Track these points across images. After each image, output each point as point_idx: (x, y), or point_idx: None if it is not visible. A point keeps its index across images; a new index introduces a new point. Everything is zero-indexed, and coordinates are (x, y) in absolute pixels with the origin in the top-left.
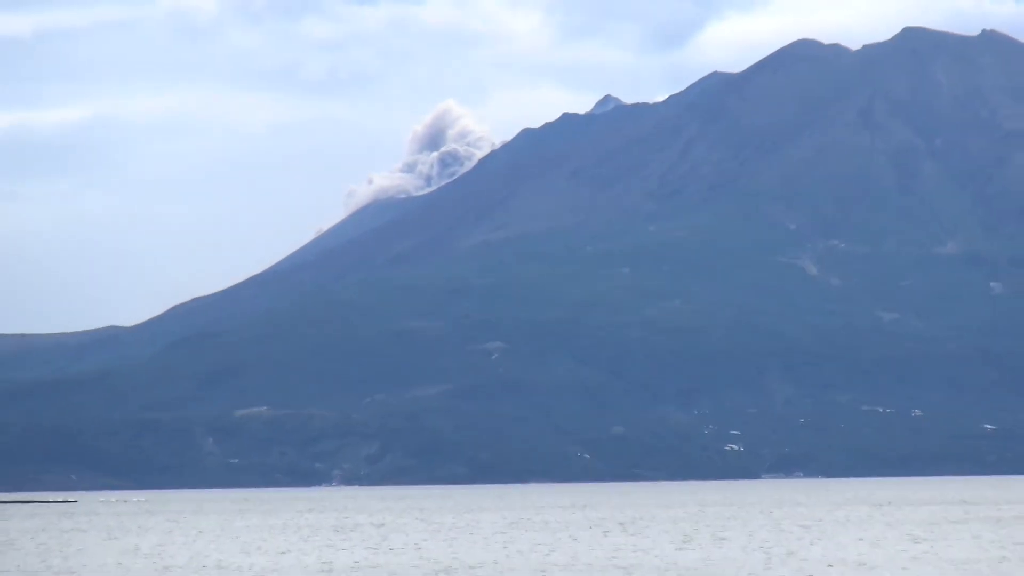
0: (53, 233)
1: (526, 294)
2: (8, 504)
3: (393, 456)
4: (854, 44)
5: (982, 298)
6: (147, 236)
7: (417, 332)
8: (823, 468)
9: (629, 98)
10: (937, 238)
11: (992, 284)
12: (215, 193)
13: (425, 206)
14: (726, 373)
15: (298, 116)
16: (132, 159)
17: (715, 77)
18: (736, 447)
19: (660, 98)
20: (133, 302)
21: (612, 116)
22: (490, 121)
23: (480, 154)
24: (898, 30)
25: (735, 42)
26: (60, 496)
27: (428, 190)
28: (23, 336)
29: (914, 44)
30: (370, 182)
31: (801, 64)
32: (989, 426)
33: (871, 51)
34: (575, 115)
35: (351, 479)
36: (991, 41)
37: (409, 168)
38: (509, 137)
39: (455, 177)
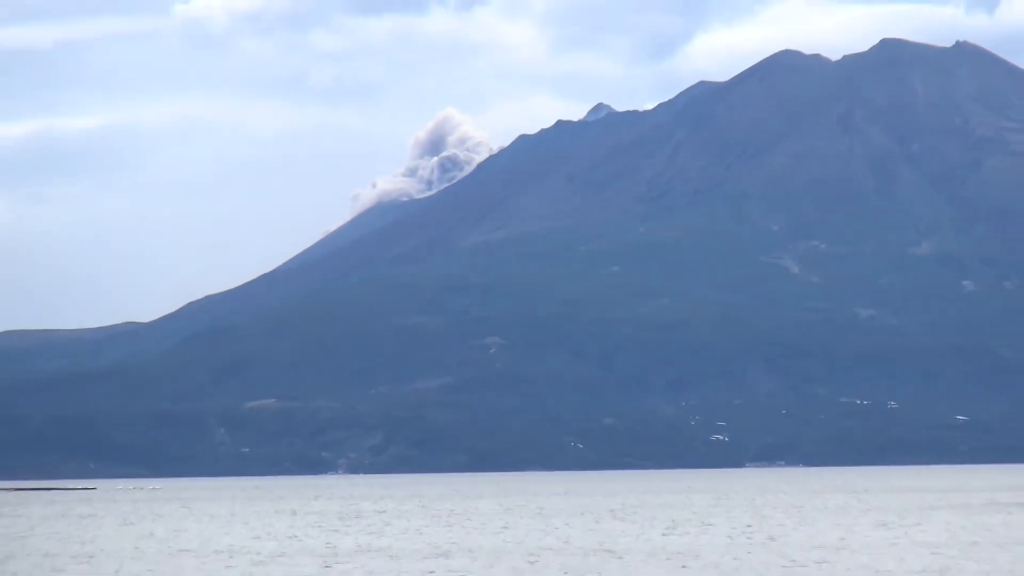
0: (74, 233)
1: (522, 292)
2: (30, 491)
3: (396, 446)
4: (834, 55)
5: (955, 296)
6: (162, 236)
7: (419, 328)
8: (804, 457)
9: (620, 106)
10: (912, 239)
11: (964, 283)
12: (227, 195)
13: (426, 208)
14: (712, 367)
15: (306, 123)
16: (148, 163)
17: (702, 86)
18: (721, 437)
19: (650, 106)
20: (149, 299)
21: (604, 123)
22: (488, 128)
23: (479, 159)
24: (876, 41)
25: (721, 53)
26: (79, 484)
27: (429, 193)
28: (45, 331)
29: (891, 55)
30: (374, 185)
31: (784, 74)
32: (961, 417)
33: (850, 61)
34: (569, 122)
35: (356, 468)
36: (965, 52)
37: (411, 172)
38: (506, 143)
39: (455, 181)
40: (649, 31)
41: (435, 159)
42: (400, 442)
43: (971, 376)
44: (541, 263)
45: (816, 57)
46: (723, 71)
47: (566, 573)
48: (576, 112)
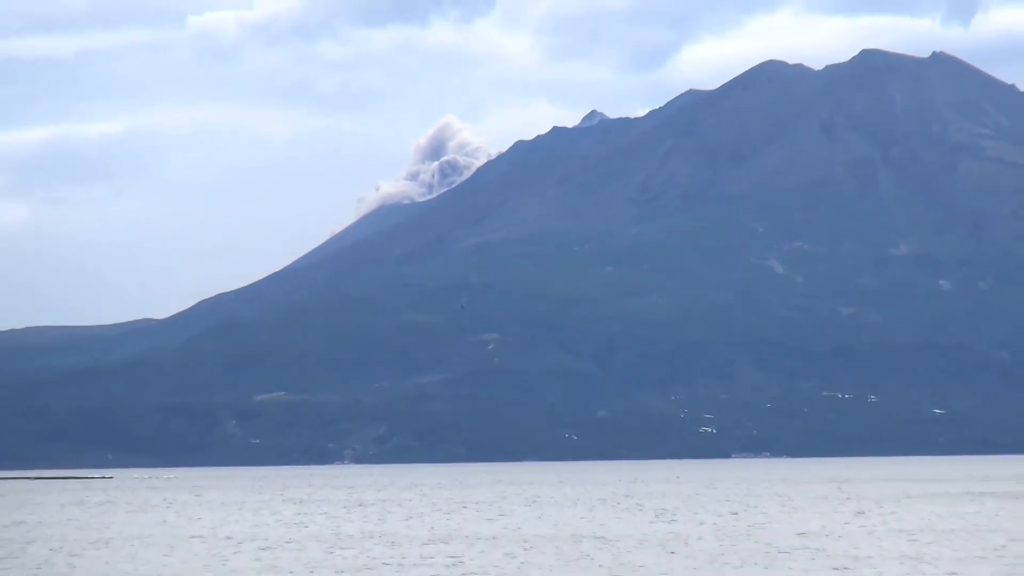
0: (92, 234)
1: (519, 290)
2: (50, 480)
3: (398, 437)
4: (817, 65)
5: (932, 294)
6: (176, 237)
7: (420, 325)
8: (788, 448)
9: (613, 113)
10: (891, 240)
11: (941, 282)
12: (238, 198)
13: (427, 211)
14: (700, 362)
15: (313, 129)
16: (163, 168)
17: (691, 94)
18: (709, 429)
19: (641, 113)
20: (164, 297)
21: (597, 130)
22: (487, 134)
23: (477, 164)
24: (856, 52)
25: (709, 63)
26: (97, 473)
27: (430, 196)
28: (66, 327)
29: (871, 65)
30: (377, 189)
31: (769, 83)
32: (938, 411)
33: (832, 71)
34: (564, 128)
35: (361, 458)
36: (941, 62)
37: (413, 176)
38: (504, 148)
39: (455, 184)
40: (641, 42)
41: (436, 164)
42: (402, 433)
43: (947, 371)
44: (537, 263)
45: (800, 67)
46: (711, 80)
47: (559, 558)
48: (571, 119)
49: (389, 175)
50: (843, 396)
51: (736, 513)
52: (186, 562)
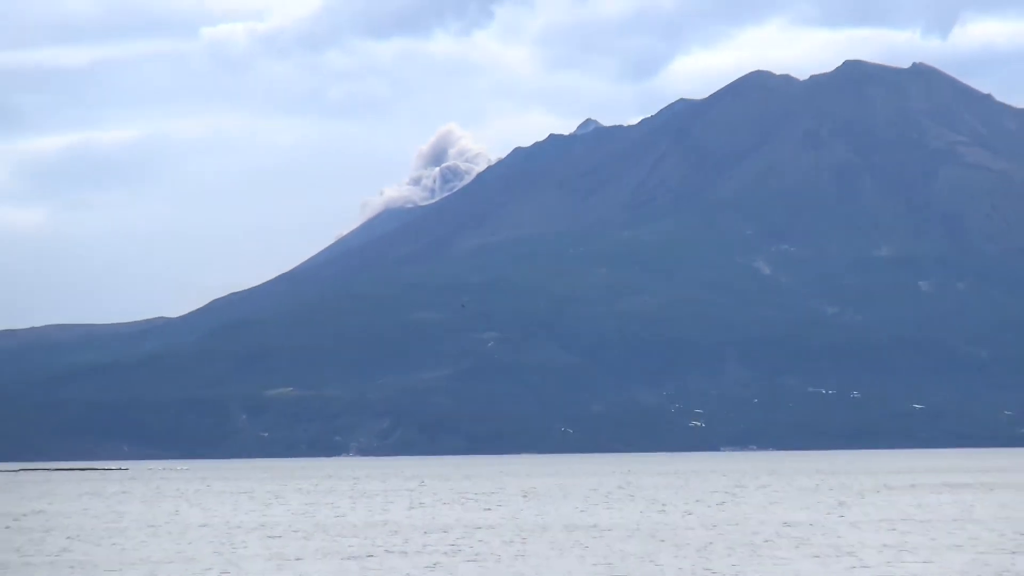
0: (110, 237)
1: (517, 290)
2: (69, 471)
3: (402, 431)
4: (802, 75)
5: (912, 294)
6: (191, 239)
7: (423, 323)
8: (774, 442)
9: (607, 121)
10: (873, 242)
11: (920, 283)
12: (249, 202)
13: (429, 214)
14: (690, 359)
15: (320, 136)
16: (178, 173)
17: (681, 103)
18: (698, 423)
19: (634, 121)
20: (179, 296)
21: (592, 137)
22: (486, 141)
23: (477, 169)
24: (840, 63)
25: (699, 73)
26: (114, 464)
27: (432, 201)
28: (85, 325)
29: (854, 75)
30: (381, 193)
31: (756, 92)
32: (918, 406)
33: (816, 81)
34: (560, 135)
35: (366, 451)
36: (921, 73)
37: (415, 181)
38: (503, 154)
39: (455, 189)
40: (633, 53)
41: (437, 169)
42: (406, 427)
43: (927, 368)
44: (534, 264)
45: (785, 77)
46: (701, 89)
47: (554, 547)
48: (567, 126)
49: (393, 180)
50: (827, 392)
51: (723, 504)
52: (198, 549)
